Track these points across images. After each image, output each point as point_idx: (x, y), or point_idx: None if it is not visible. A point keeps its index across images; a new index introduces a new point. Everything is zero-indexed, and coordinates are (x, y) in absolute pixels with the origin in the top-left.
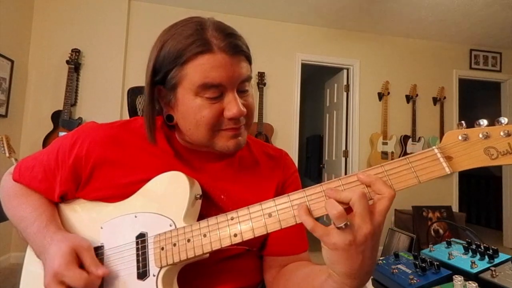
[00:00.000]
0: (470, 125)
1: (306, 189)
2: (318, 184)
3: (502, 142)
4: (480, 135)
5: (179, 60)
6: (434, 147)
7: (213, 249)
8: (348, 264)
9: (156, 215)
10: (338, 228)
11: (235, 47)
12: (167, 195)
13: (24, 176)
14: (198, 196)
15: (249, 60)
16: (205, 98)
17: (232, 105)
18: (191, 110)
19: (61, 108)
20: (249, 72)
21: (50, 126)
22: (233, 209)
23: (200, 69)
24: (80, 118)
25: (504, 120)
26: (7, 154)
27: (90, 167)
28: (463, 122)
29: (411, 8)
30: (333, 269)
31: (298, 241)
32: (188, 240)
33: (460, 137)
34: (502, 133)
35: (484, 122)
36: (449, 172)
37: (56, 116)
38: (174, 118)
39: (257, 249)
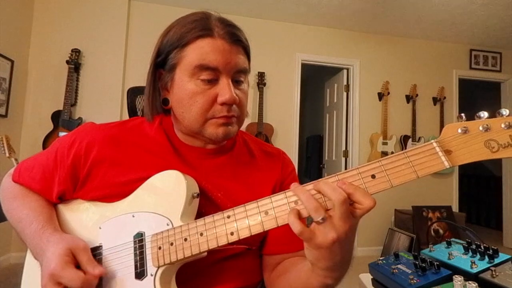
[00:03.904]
0: (470, 118)
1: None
2: (315, 181)
3: (503, 135)
4: (480, 128)
5: (181, 41)
6: (432, 140)
7: (210, 247)
8: (331, 259)
9: (154, 214)
10: (317, 222)
11: (234, 36)
12: (164, 194)
13: (23, 176)
14: (195, 194)
15: (247, 53)
16: (200, 81)
17: (226, 91)
18: (186, 94)
19: (61, 108)
20: (246, 64)
21: (50, 126)
22: (231, 207)
23: (199, 51)
24: (80, 118)
25: (505, 111)
26: (7, 154)
27: (88, 166)
28: (462, 114)
29: (411, 8)
30: (316, 265)
31: (296, 239)
32: (185, 239)
33: (459, 130)
34: (503, 125)
35: (484, 114)
36: (448, 166)
37: (56, 116)
38: (169, 102)
39: (257, 248)
